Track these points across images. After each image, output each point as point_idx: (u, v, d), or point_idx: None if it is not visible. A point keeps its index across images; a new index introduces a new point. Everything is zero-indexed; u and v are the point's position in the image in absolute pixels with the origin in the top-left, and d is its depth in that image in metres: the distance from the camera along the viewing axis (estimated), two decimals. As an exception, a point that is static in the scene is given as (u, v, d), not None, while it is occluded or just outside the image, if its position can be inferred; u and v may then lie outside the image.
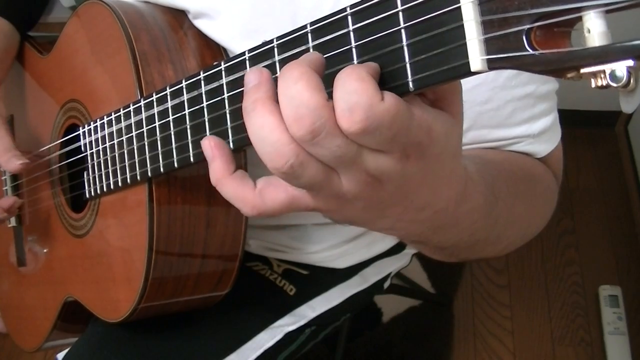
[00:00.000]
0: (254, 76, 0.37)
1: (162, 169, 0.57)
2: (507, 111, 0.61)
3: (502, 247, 0.61)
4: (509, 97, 0.61)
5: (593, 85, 0.29)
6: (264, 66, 0.42)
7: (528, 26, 0.29)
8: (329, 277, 0.90)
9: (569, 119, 2.05)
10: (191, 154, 0.52)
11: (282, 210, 0.40)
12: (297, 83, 0.33)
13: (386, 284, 0.99)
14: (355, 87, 0.32)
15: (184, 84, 0.51)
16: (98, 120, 0.67)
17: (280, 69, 0.41)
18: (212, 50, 0.68)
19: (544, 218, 0.66)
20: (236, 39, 0.66)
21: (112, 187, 0.66)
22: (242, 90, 0.44)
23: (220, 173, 0.40)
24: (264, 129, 0.35)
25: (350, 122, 0.33)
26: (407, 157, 0.36)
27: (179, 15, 0.69)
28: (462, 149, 0.41)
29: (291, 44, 0.40)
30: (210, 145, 0.41)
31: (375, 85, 0.33)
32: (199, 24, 0.68)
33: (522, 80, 0.60)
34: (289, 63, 0.35)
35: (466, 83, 0.37)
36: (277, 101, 0.35)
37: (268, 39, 0.41)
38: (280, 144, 0.35)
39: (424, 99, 0.36)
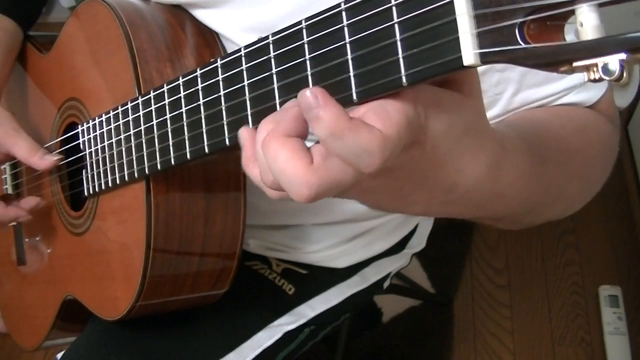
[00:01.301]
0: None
1: (159, 166, 0.57)
2: None
3: (565, 206, 0.59)
4: None
5: (586, 79, 0.29)
6: (259, 62, 0.42)
7: (521, 20, 0.29)
8: (328, 277, 0.90)
9: (569, 119, 2.02)
10: (188, 151, 0.52)
11: (334, 190, 0.37)
12: (276, 158, 0.34)
13: (386, 284, 0.99)
14: (350, 140, 0.32)
15: (180, 81, 0.51)
16: (97, 118, 0.67)
17: (275, 66, 0.41)
18: (210, 48, 0.68)
19: (605, 167, 0.62)
20: (239, 31, 0.66)
21: (110, 184, 0.66)
22: (238, 87, 0.44)
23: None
24: (282, 164, 0.34)
25: (364, 167, 0.33)
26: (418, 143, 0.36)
27: (178, 13, 0.70)
28: (507, 116, 0.40)
29: (286, 40, 0.40)
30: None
31: (359, 122, 0.33)
32: (203, 15, 0.68)
33: None
34: (267, 136, 0.35)
35: None
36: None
37: (264, 35, 0.41)
38: (297, 179, 0.34)
39: None
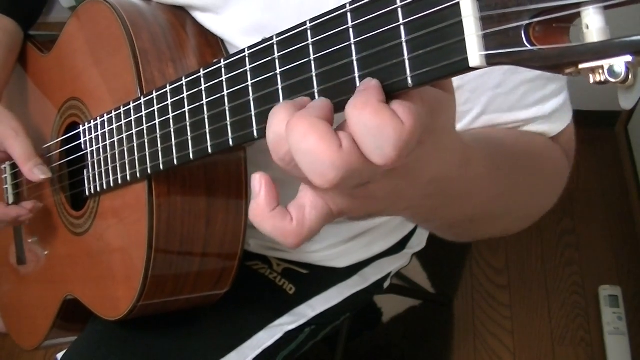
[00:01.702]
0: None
1: (161, 167, 0.57)
2: (519, 94, 0.61)
3: (509, 224, 0.61)
4: (521, 79, 0.60)
5: (591, 81, 0.29)
6: (263, 63, 0.42)
7: (527, 22, 0.29)
8: (328, 277, 0.90)
9: (569, 119, 2.02)
10: (191, 152, 0.52)
11: (321, 227, 0.40)
12: (306, 137, 0.33)
13: (386, 284, 0.99)
14: (377, 124, 0.32)
15: (184, 81, 0.51)
16: (98, 118, 0.67)
17: (279, 67, 0.41)
18: (212, 48, 0.68)
19: (551, 196, 0.65)
20: (240, 35, 0.66)
21: (111, 184, 0.66)
22: (242, 87, 0.44)
23: (262, 209, 0.39)
24: (313, 144, 0.34)
25: (384, 159, 0.33)
26: (420, 143, 0.36)
27: (180, 14, 0.69)
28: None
29: (291, 41, 0.40)
30: (260, 180, 0.39)
31: (391, 112, 0.33)
32: (203, 18, 0.68)
33: None
34: (298, 114, 0.35)
35: (479, 70, 0.37)
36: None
37: (268, 35, 0.41)
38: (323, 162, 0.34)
39: None
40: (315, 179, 0.34)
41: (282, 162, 0.37)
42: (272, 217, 0.38)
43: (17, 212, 0.79)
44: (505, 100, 0.61)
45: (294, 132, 0.34)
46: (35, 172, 0.75)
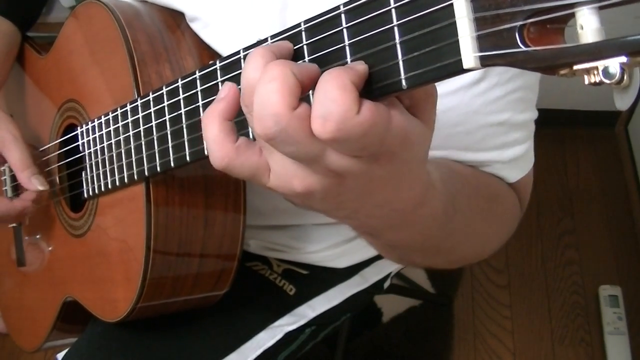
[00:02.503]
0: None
1: (158, 168, 0.57)
2: (478, 136, 0.61)
3: (454, 259, 0.62)
4: (482, 122, 0.60)
5: (586, 82, 0.29)
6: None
7: (521, 23, 0.29)
8: (329, 277, 0.90)
9: (569, 119, 2.05)
10: (187, 153, 0.52)
11: (244, 175, 0.40)
12: (270, 82, 0.34)
13: (386, 284, 0.99)
14: (334, 96, 0.33)
15: (180, 83, 0.51)
16: (96, 119, 0.67)
17: None
18: (209, 49, 0.68)
19: (500, 239, 0.66)
20: (228, 45, 0.66)
21: (109, 186, 0.66)
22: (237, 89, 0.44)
23: (217, 113, 0.39)
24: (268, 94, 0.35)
25: (321, 130, 0.33)
26: (376, 160, 0.36)
27: (176, 15, 0.69)
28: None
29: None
30: (230, 87, 0.40)
31: (355, 96, 0.33)
32: (194, 26, 0.68)
33: (497, 108, 0.60)
34: (279, 60, 0.35)
35: (440, 105, 0.38)
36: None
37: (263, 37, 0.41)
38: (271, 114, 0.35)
39: (401, 103, 0.37)
40: (256, 125, 0.35)
41: (245, 108, 0.37)
42: (221, 124, 0.39)
43: (22, 204, 0.78)
44: (464, 140, 0.61)
45: (265, 74, 0.34)
46: (33, 181, 0.75)
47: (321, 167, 0.37)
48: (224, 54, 0.67)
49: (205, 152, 0.49)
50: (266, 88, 0.34)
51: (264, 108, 0.34)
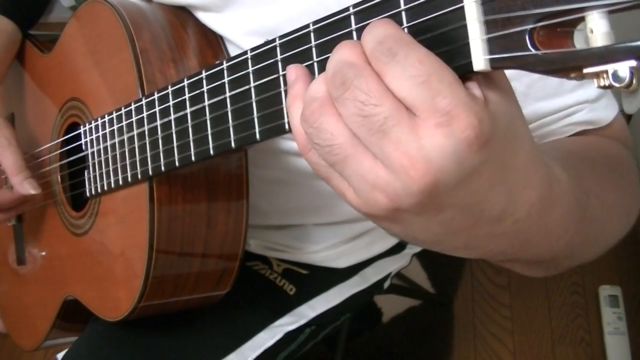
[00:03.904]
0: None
1: (163, 168, 0.57)
2: (554, 81, 0.56)
3: (604, 244, 0.54)
4: None
5: (596, 85, 0.29)
6: (266, 65, 0.42)
7: (531, 26, 0.29)
8: (329, 277, 0.90)
9: (569, 119, 2.02)
10: (192, 153, 0.52)
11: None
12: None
13: (386, 284, 0.99)
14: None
15: (185, 82, 0.51)
16: (99, 118, 0.67)
17: (282, 69, 0.41)
18: (213, 48, 0.68)
19: (636, 195, 0.57)
20: (241, 34, 0.66)
21: (112, 185, 0.66)
22: (244, 89, 0.44)
23: (299, 94, 0.36)
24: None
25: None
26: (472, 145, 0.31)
27: (181, 14, 0.69)
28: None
29: (293, 43, 0.40)
30: (296, 68, 0.37)
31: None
32: (205, 17, 0.68)
33: None
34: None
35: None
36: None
37: (271, 37, 0.41)
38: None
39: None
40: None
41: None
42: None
43: (25, 189, 0.77)
44: (544, 86, 0.57)
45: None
46: (25, 185, 0.75)
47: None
48: (237, 43, 0.67)
49: (211, 152, 0.49)
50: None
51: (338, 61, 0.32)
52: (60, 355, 0.81)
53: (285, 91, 0.40)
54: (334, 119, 0.32)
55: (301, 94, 0.36)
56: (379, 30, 0.32)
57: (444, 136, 0.30)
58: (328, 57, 0.37)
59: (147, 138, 0.58)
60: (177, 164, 0.54)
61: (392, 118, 0.31)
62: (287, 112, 0.37)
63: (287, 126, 0.40)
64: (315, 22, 0.38)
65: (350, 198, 0.35)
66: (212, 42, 0.69)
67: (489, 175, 0.33)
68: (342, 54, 0.32)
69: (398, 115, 0.31)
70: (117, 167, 0.64)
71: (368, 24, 0.35)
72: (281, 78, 0.41)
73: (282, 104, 0.41)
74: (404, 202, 0.32)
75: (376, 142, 0.31)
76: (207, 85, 0.48)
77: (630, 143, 0.63)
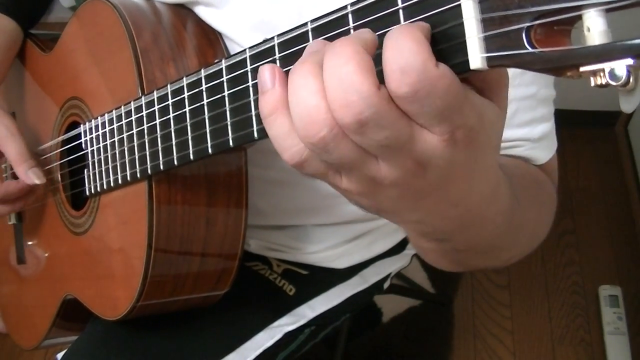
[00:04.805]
0: (315, 45, 0.35)
1: (161, 167, 0.57)
2: (510, 110, 0.57)
3: (512, 255, 0.60)
4: (512, 95, 0.59)
5: (592, 84, 0.29)
6: (264, 64, 0.42)
7: (528, 24, 0.29)
8: (328, 277, 0.90)
9: (569, 119, 2.05)
10: (191, 152, 0.52)
11: (316, 173, 0.36)
12: (348, 63, 0.31)
13: (386, 285, 0.99)
14: (409, 47, 0.30)
15: (184, 81, 0.51)
16: (99, 117, 0.67)
17: (281, 67, 0.40)
18: (213, 48, 0.68)
19: (547, 225, 0.64)
20: (242, 30, 0.66)
21: (112, 184, 0.66)
22: (243, 88, 0.44)
23: (282, 101, 0.35)
24: (303, 89, 0.32)
25: (399, 84, 0.30)
26: (456, 141, 0.34)
27: (181, 13, 0.70)
28: None
29: (292, 41, 0.40)
30: (274, 69, 0.36)
31: (430, 49, 0.31)
32: (205, 13, 0.68)
33: (525, 80, 0.60)
34: (341, 39, 0.32)
35: None
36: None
37: (269, 36, 0.41)
38: (317, 110, 0.32)
39: (471, 86, 0.35)
40: (342, 112, 0.31)
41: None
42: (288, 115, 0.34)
43: (30, 178, 0.76)
44: None
45: (333, 56, 0.32)
46: (29, 174, 0.75)
47: (404, 157, 0.34)
48: (237, 40, 0.67)
49: (209, 151, 0.49)
50: (347, 69, 0.31)
51: (350, 92, 0.31)
52: (60, 355, 0.81)
53: None
54: (351, 146, 0.34)
55: (284, 103, 0.35)
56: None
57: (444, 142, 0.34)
58: None
59: (146, 136, 0.58)
60: (176, 162, 0.54)
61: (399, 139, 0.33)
62: (264, 123, 0.36)
63: None
64: (313, 21, 0.38)
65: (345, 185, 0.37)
66: (212, 41, 0.69)
67: (463, 169, 0.37)
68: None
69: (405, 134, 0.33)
70: (116, 166, 0.64)
71: (366, 22, 0.35)
72: None
73: None
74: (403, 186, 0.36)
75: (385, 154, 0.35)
76: (206, 84, 0.48)
77: (556, 182, 0.68)
